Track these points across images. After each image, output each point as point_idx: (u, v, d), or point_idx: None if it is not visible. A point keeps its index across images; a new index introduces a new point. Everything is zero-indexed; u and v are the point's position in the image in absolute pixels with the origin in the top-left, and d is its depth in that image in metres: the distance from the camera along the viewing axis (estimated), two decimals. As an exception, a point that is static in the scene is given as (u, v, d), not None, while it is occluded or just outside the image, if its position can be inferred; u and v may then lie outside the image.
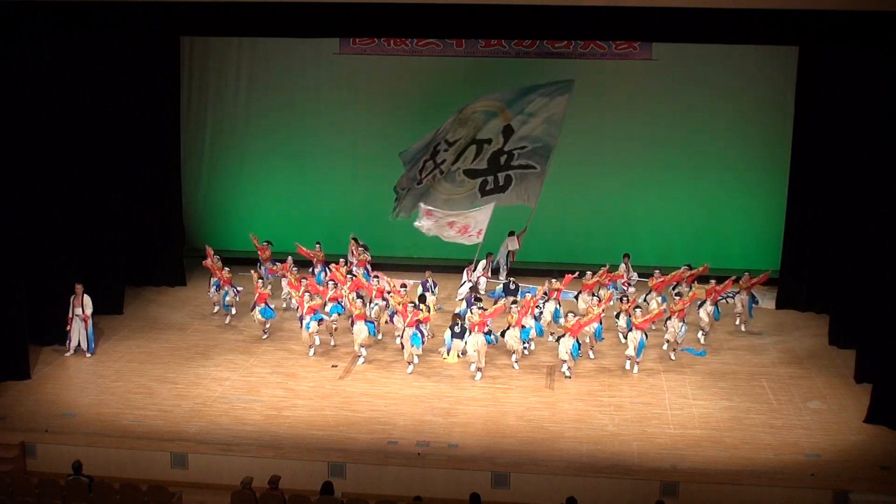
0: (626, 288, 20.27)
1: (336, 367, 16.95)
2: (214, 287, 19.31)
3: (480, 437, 14.45)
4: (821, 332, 18.67)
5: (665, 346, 17.48)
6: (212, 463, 13.84)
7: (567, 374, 16.47)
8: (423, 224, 19.34)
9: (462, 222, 19.47)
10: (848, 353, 17.23)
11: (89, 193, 18.74)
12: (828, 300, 19.03)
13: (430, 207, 19.33)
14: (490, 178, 20.01)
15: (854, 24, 13.94)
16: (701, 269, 19.04)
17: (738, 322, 18.86)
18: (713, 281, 18.30)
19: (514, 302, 17.84)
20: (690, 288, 18.49)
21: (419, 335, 16.61)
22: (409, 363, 16.76)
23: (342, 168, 22.76)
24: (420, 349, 16.63)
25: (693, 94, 21.67)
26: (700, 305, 18.07)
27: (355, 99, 22.55)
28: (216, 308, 19.45)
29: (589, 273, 18.74)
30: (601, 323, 17.09)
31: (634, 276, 20.34)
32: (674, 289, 18.95)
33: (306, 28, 16.15)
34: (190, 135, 22.58)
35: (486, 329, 16.59)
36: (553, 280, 18.31)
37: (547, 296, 18.09)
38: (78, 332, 17.26)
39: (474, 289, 19.48)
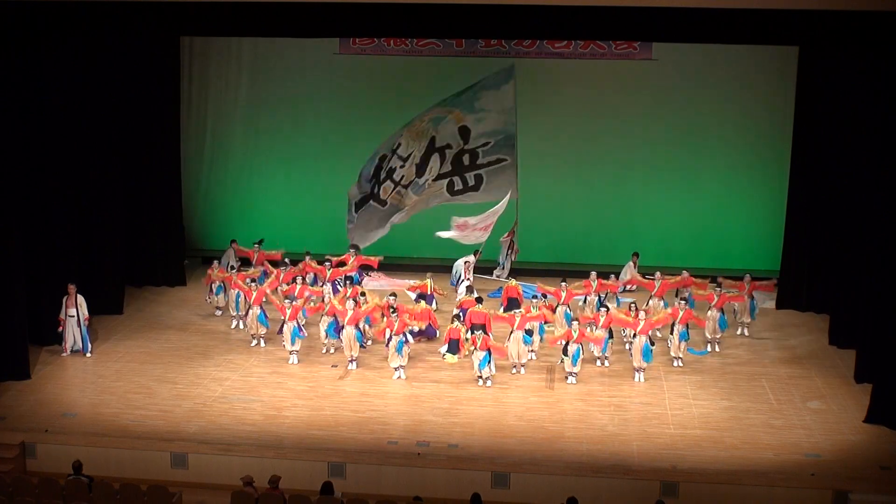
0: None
1: (336, 367, 16.95)
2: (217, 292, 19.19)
3: (480, 437, 14.45)
4: (821, 332, 18.66)
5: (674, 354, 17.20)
6: (212, 463, 13.85)
7: (574, 380, 16.33)
8: (453, 234, 19.52)
9: (483, 223, 19.47)
10: (848, 353, 17.22)
11: (89, 194, 18.73)
12: (828, 300, 19.01)
13: (459, 219, 19.44)
14: (457, 179, 20.07)
15: (854, 24, 13.93)
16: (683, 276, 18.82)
17: (739, 330, 18.55)
18: (718, 280, 18.21)
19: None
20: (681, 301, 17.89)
21: (404, 342, 16.36)
22: (396, 370, 16.49)
23: (342, 168, 22.64)
24: (403, 356, 16.36)
25: (693, 95, 21.63)
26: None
27: (355, 99, 22.52)
28: (219, 312, 19.45)
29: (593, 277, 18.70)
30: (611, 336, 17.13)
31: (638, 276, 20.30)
32: (676, 294, 18.72)
33: (306, 28, 16.12)
34: (190, 135, 22.55)
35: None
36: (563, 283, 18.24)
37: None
38: (73, 333, 17.22)
39: (471, 289, 19.47)
